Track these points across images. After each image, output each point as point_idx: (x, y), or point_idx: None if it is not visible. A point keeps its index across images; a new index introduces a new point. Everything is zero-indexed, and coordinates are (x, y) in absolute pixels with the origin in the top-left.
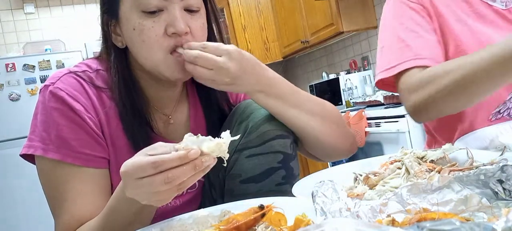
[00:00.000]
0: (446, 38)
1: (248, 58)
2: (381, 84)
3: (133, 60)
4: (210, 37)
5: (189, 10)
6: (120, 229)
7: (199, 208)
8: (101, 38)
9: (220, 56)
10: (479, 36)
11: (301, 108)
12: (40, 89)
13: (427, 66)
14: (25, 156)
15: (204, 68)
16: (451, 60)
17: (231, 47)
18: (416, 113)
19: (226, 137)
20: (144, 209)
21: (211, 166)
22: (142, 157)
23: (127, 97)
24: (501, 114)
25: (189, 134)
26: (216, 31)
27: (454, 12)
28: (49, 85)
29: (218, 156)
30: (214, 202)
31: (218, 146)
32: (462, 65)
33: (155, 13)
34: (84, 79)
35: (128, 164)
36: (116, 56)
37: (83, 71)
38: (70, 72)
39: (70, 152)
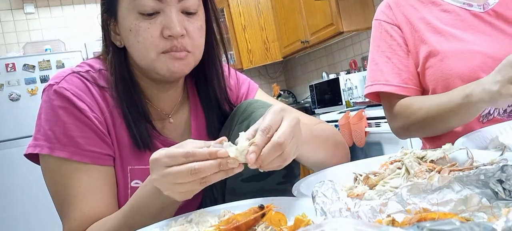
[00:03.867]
0: (423, 51)
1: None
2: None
3: (132, 60)
4: (211, 38)
5: (186, 13)
6: (141, 226)
7: (200, 207)
8: (102, 37)
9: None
10: (456, 43)
11: (321, 147)
12: (44, 89)
13: (394, 93)
14: (29, 156)
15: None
16: (424, 97)
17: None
18: (399, 134)
19: (242, 140)
20: (166, 208)
21: (236, 171)
22: (174, 148)
23: (126, 96)
24: (492, 115)
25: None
26: (216, 31)
27: (429, 23)
28: (54, 84)
29: (242, 162)
30: (215, 201)
31: (242, 152)
32: (433, 104)
33: (151, 15)
34: (87, 79)
35: (160, 152)
36: (114, 55)
37: (86, 71)
38: (74, 72)
39: (77, 149)
